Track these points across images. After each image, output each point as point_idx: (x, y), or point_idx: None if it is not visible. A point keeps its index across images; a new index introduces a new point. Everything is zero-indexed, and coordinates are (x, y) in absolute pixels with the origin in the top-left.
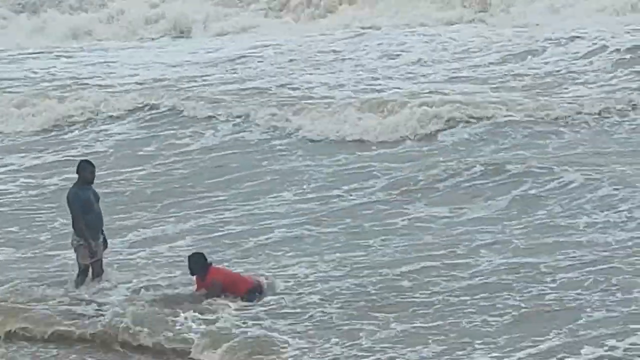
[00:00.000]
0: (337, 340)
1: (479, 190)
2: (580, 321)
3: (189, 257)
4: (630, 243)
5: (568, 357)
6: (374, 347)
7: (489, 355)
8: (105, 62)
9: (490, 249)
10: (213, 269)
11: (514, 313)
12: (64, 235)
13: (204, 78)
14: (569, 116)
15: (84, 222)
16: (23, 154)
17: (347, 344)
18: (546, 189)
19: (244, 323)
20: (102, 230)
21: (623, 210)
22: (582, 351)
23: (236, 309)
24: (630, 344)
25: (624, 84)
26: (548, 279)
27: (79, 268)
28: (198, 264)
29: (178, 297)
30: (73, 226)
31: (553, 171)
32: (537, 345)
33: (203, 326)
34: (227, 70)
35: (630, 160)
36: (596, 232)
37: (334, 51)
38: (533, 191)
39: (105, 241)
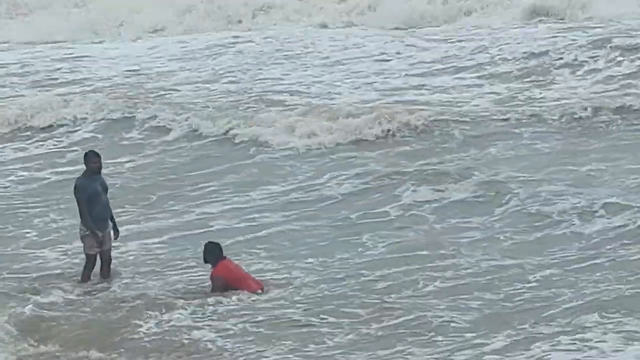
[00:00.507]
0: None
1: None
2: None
3: (205, 245)
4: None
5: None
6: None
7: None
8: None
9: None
10: (222, 263)
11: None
12: None
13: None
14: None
15: (91, 212)
16: None
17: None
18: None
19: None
20: (113, 219)
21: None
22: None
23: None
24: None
25: None
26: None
27: (86, 259)
28: (211, 253)
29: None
30: (80, 216)
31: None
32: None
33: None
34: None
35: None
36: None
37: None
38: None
39: (116, 230)
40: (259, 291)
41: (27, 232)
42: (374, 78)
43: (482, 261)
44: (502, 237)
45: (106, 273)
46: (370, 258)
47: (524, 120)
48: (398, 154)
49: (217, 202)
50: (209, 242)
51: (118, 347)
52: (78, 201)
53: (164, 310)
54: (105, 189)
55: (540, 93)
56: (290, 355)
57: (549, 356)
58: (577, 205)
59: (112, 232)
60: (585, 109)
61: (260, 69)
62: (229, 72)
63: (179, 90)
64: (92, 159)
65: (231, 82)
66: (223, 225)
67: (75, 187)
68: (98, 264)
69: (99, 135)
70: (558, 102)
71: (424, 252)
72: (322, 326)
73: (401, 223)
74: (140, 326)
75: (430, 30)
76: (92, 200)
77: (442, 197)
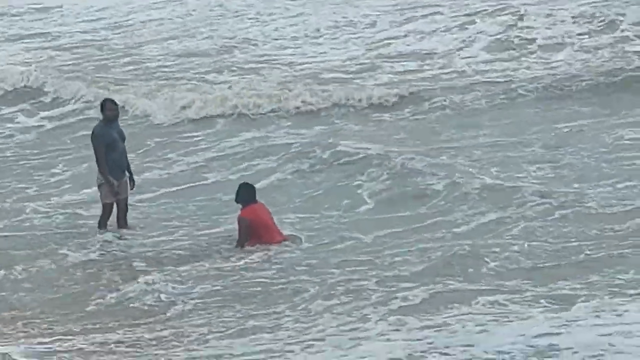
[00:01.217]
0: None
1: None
2: None
3: (239, 185)
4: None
5: None
6: None
7: None
8: None
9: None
10: (252, 206)
11: None
12: None
13: None
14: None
15: (108, 160)
16: None
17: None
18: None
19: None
20: (129, 169)
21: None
22: None
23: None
24: None
25: None
26: None
27: (102, 208)
28: (243, 194)
29: None
30: (98, 165)
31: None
32: None
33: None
34: None
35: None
36: None
37: None
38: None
39: (132, 180)
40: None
41: None
42: None
43: None
44: None
45: (122, 223)
46: None
47: None
48: None
49: None
50: (243, 183)
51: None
52: (95, 149)
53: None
54: (123, 138)
55: None
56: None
57: None
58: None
59: (128, 182)
60: None
61: None
62: None
63: None
64: (109, 106)
65: None
66: None
67: (92, 135)
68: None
69: None
70: None
71: None
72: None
73: None
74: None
75: None
76: (110, 149)
77: None
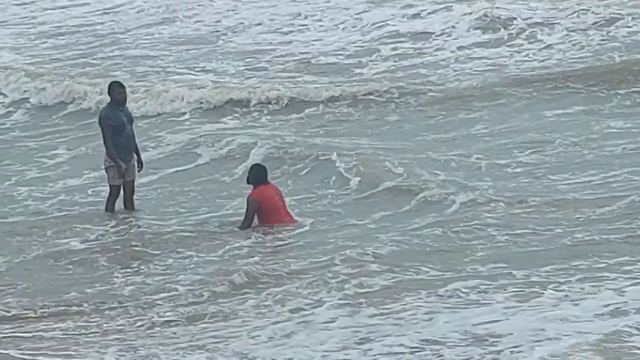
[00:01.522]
0: None
1: None
2: None
3: (251, 165)
4: None
5: None
6: None
7: None
8: None
9: None
10: (261, 187)
11: None
12: None
13: None
14: None
15: (116, 143)
16: None
17: None
18: None
19: None
20: (138, 151)
21: None
22: None
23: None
24: None
25: None
26: None
27: (110, 190)
28: (254, 174)
29: None
30: (106, 147)
31: None
32: None
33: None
34: None
35: None
36: None
37: None
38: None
39: (140, 163)
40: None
41: None
42: None
43: None
44: None
45: (130, 205)
46: None
47: None
48: None
49: None
50: (255, 164)
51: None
52: (103, 132)
53: None
54: (131, 120)
55: None
56: None
57: None
58: None
59: (136, 164)
60: None
61: None
62: None
63: None
64: (117, 89)
65: None
66: None
67: (100, 118)
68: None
69: None
70: None
71: None
72: None
73: None
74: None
75: None
76: (117, 131)
77: None
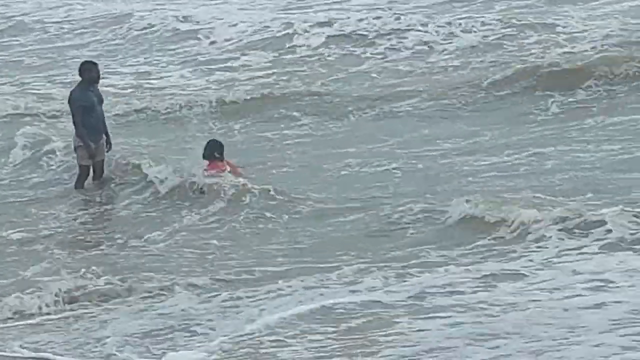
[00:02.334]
0: None
1: None
2: None
3: (208, 140)
4: None
5: None
6: None
7: None
8: None
9: None
10: (216, 163)
11: None
12: None
13: None
14: None
15: (85, 123)
16: None
17: None
18: None
19: None
20: (107, 132)
21: None
22: None
23: None
24: None
25: None
26: None
27: (79, 170)
28: (209, 150)
29: None
30: (74, 127)
31: None
32: None
33: None
34: None
35: None
36: None
37: None
38: None
39: (109, 142)
40: None
41: None
42: None
43: None
44: None
45: (98, 179)
46: None
47: None
48: None
49: None
50: (212, 140)
51: None
52: (73, 112)
53: None
54: (101, 100)
55: None
56: None
57: None
58: None
59: (104, 144)
60: None
61: None
62: None
63: None
64: (89, 67)
65: None
66: None
67: (70, 98)
68: None
69: None
70: None
71: None
72: None
73: None
74: None
75: None
76: (87, 112)
77: None
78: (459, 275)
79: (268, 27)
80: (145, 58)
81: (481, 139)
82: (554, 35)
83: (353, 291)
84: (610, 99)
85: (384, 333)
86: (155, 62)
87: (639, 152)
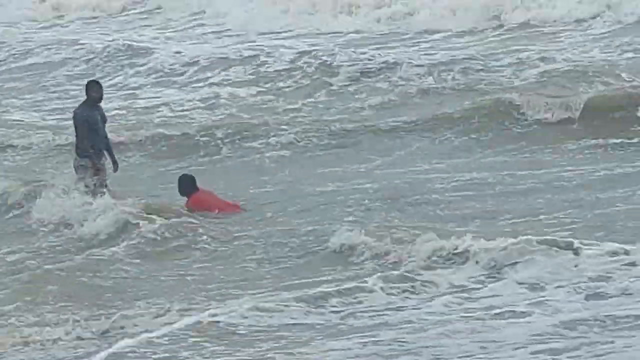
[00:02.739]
0: None
1: None
2: None
3: (179, 177)
4: None
5: None
6: None
7: None
8: None
9: None
10: (194, 196)
11: None
12: None
13: None
14: None
15: (89, 142)
16: None
17: None
18: None
19: None
20: (111, 151)
21: None
22: None
23: None
24: None
25: None
26: None
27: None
28: (183, 186)
29: None
30: (76, 146)
31: None
32: None
33: None
34: None
35: None
36: None
37: None
38: None
39: (115, 163)
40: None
41: None
42: None
43: None
44: None
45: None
46: None
47: None
48: None
49: None
50: (182, 175)
51: None
52: (77, 127)
53: None
54: (105, 120)
55: None
56: None
57: None
58: None
59: (105, 165)
60: None
61: None
62: None
63: None
64: (93, 88)
65: None
66: None
67: (74, 117)
68: None
69: None
70: None
71: None
72: None
73: None
74: None
75: None
76: (91, 129)
77: None
78: None
79: None
80: None
81: None
82: None
83: None
84: None
85: None
86: None
87: None
